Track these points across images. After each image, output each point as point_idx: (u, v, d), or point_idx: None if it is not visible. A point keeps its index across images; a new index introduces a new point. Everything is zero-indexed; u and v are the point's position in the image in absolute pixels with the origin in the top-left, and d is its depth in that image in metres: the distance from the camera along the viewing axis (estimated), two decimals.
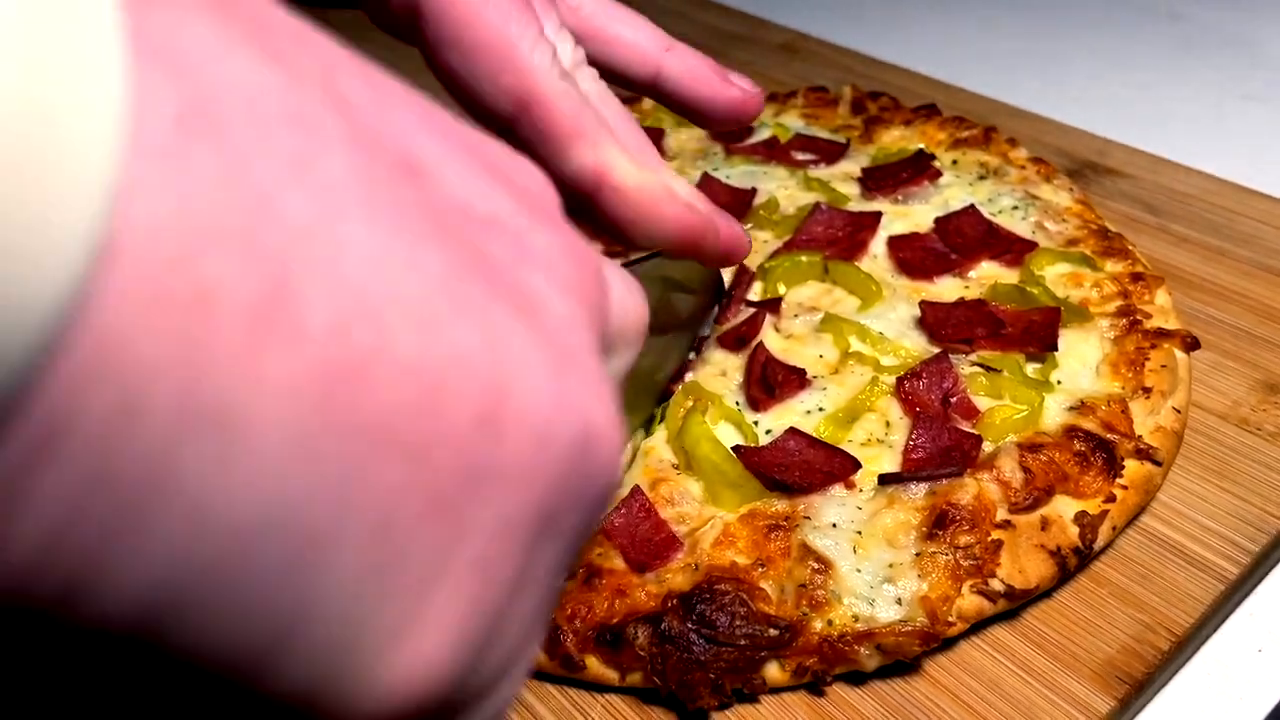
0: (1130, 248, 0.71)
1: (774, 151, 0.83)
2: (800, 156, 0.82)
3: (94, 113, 0.14)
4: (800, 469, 0.56)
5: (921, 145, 0.81)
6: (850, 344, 0.65)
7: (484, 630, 0.20)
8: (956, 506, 0.53)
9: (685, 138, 0.87)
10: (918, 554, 0.52)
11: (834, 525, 0.54)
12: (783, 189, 0.80)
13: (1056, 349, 0.63)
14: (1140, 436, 0.59)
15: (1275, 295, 0.75)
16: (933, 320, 0.65)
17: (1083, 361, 0.63)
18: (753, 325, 0.66)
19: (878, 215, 0.73)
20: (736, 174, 0.82)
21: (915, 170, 0.76)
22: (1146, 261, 0.71)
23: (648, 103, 0.86)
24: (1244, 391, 0.65)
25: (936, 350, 0.63)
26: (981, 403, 0.60)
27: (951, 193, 0.77)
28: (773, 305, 0.68)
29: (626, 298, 0.28)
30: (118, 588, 0.15)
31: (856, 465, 0.56)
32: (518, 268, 0.21)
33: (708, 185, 0.77)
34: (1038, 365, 0.63)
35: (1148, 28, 1.20)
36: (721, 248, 0.49)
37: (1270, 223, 0.82)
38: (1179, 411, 0.61)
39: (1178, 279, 0.76)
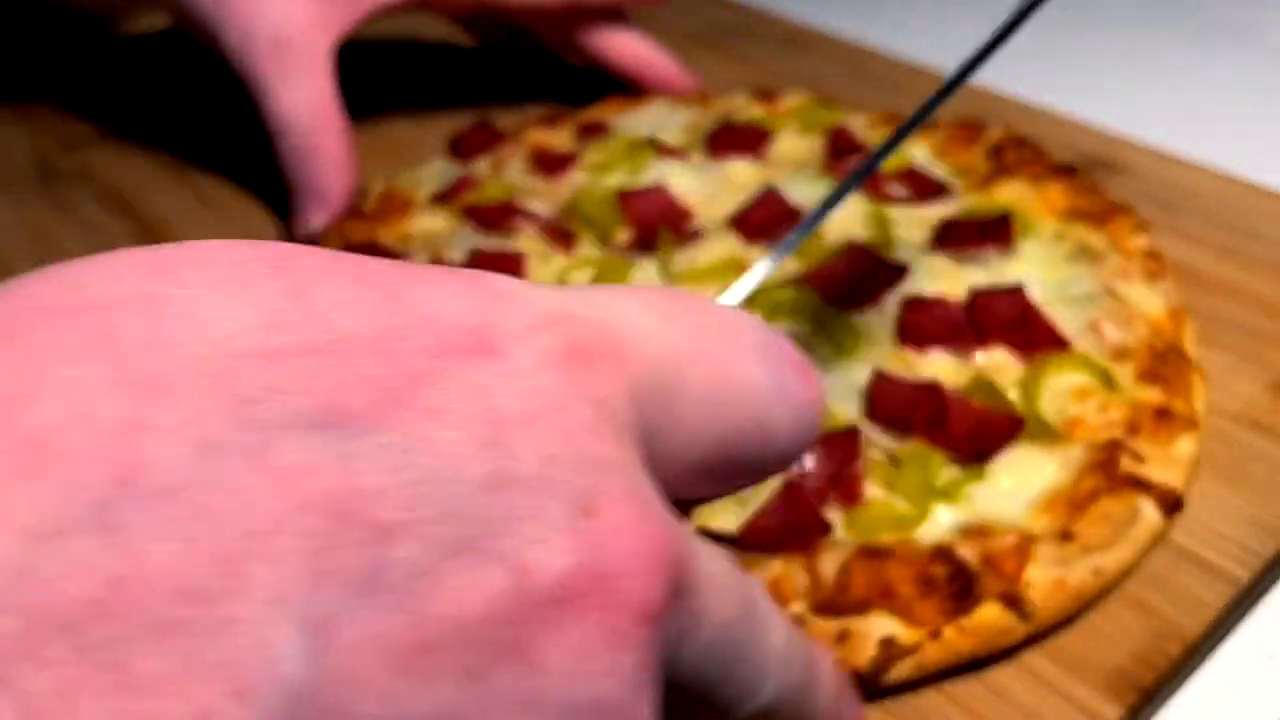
0: (1189, 384, 0.63)
1: (869, 179, 0.79)
2: (893, 191, 0.77)
3: None
4: None
5: (1007, 209, 0.73)
6: None
7: None
8: None
9: (788, 148, 0.84)
10: None
11: None
12: (842, 219, 0.75)
13: (986, 461, 0.57)
14: (1027, 584, 0.52)
15: None
16: (877, 392, 0.60)
17: (1021, 485, 0.56)
18: None
19: (902, 270, 0.68)
20: (813, 192, 0.77)
21: (988, 233, 0.70)
22: (1194, 407, 0.62)
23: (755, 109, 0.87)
24: (1257, 393, 0.64)
25: (862, 422, 0.59)
26: (872, 492, 0.56)
27: (1020, 267, 0.70)
28: None
29: (791, 446, 0.32)
30: None
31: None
32: None
33: (766, 199, 0.74)
34: (959, 473, 0.57)
35: (1159, 20, 1.18)
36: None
37: None
38: (1098, 575, 0.53)
39: (1189, 278, 0.75)
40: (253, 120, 0.96)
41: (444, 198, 0.83)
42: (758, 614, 0.32)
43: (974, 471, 0.56)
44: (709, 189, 0.79)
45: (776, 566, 0.52)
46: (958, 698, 0.49)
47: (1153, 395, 0.61)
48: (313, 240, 0.82)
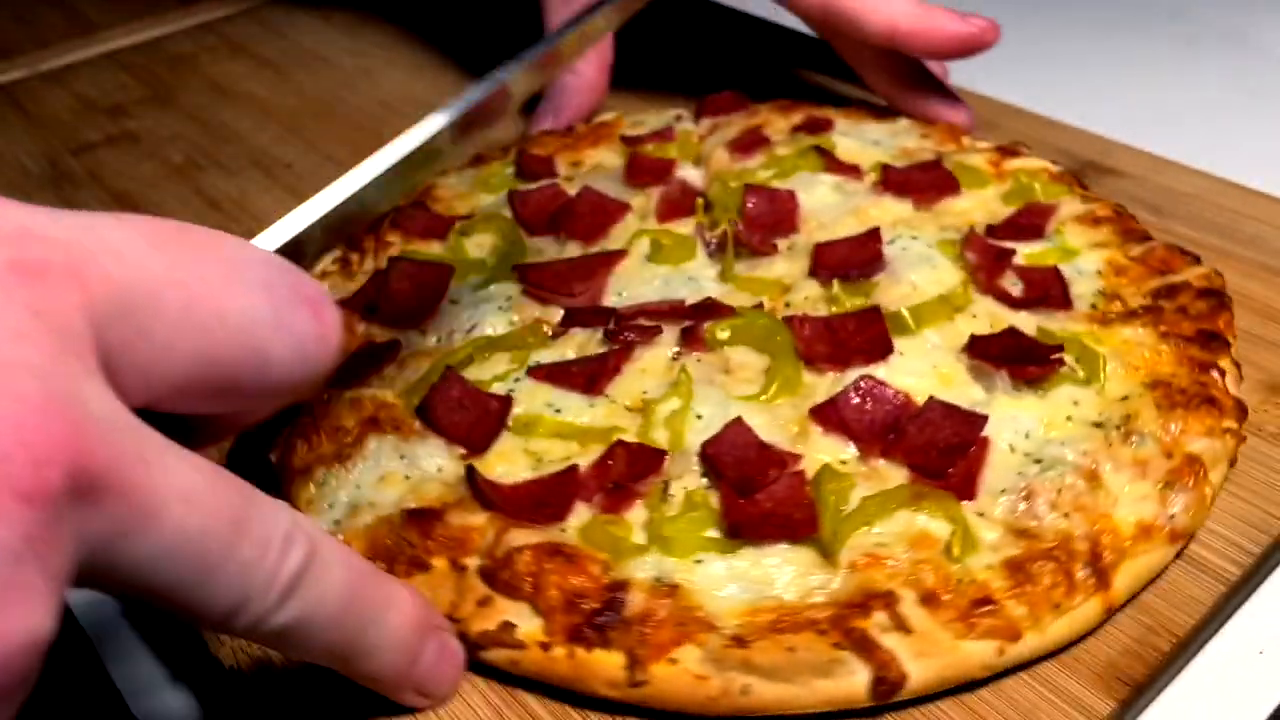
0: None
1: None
2: (1008, 284, 0.70)
3: None
4: None
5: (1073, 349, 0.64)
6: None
7: None
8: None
9: (964, 206, 0.80)
10: None
11: None
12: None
13: (745, 542, 0.54)
14: (664, 660, 0.49)
15: (1277, 296, 0.75)
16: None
17: (753, 582, 0.52)
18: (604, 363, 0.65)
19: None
20: (916, 253, 0.73)
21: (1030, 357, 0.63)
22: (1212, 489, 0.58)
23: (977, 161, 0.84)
24: (1246, 392, 0.65)
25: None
26: (634, 514, 0.57)
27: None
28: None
29: (287, 377, 0.39)
30: None
31: None
32: None
33: (860, 241, 0.73)
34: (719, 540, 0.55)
35: (1150, 27, 1.19)
36: (988, 42, 0.87)
37: (1274, 223, 0.82)
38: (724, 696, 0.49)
39: None
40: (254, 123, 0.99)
41: (632, 141, 0.89)
42: (250, 535, 0.36)
43: (730, 545, 0.54)
44: (838, 213, 0.77)
45: (480, 520, 0.55)
46: (951, 689, 0.50)
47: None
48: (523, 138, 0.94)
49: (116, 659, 0.57)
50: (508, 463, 0.60)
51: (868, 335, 0.65)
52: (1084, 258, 0.72)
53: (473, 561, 0.54)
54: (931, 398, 0.60)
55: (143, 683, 0.56)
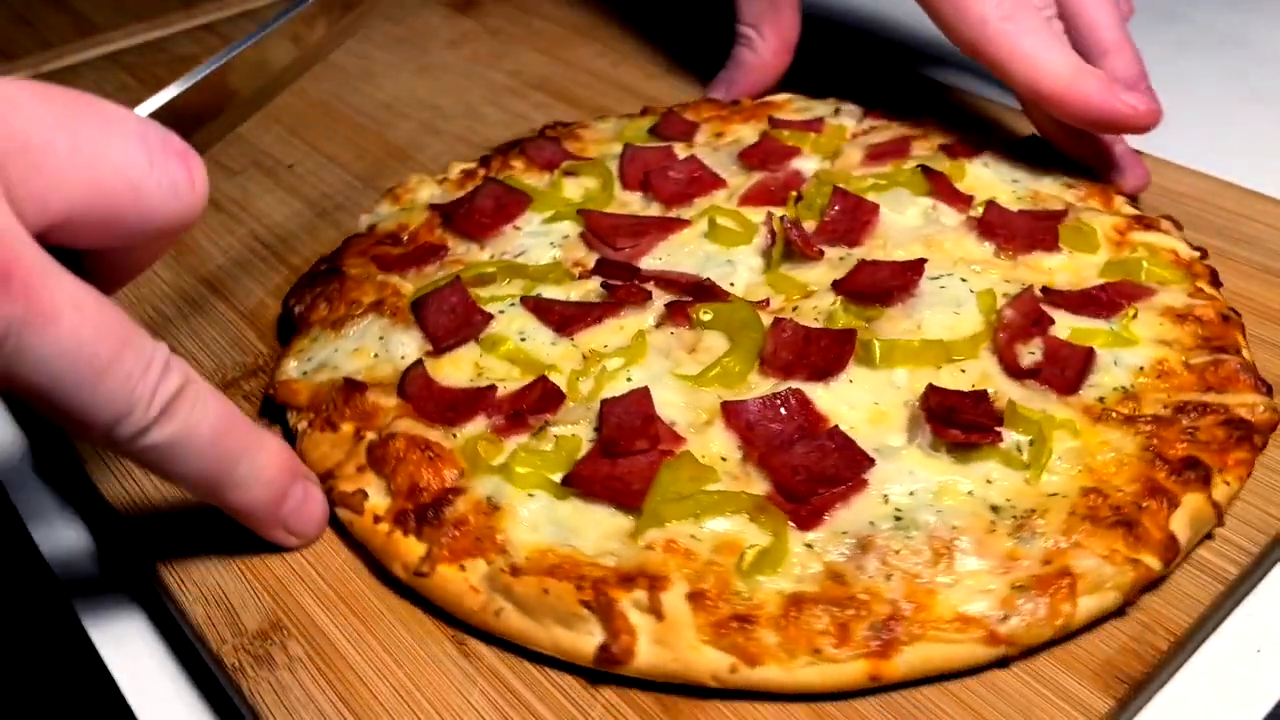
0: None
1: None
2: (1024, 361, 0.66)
3: None
4: None
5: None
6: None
7: None
8: None
9: (1058, 263, 0.75)
10: None
11: None
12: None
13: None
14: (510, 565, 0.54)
15: (1276, 297, 0.75)
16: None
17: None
18: None
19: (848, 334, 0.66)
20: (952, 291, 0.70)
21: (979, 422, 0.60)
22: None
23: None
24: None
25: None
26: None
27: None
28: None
29: (162, 211, 0.47)
30: None
31: None
32: None
33: (868, 268, 0.72)
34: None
35: (1146, 28, 1.11)
36: (1140, 126, 0.76)
37: (1272, 224, 0.82)
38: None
39: None
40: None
41: (777, 124, 0.91)
42: (134, 350, 0.44)
43: (564, 492, 0.57)
44: (912, 237, 0.75)
45: (391, 403, 0.63)
46: (949, 688, 0.50)
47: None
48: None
49: (24, 500, 0.68)
50: (455, 368, 0.67)
51: (831, 354, 0.64)
52: (1136, 350, 0.65)
53: (370, 435, 0.62)
54: (835, 427, 0.59)
55: (46, 519, 0.67)
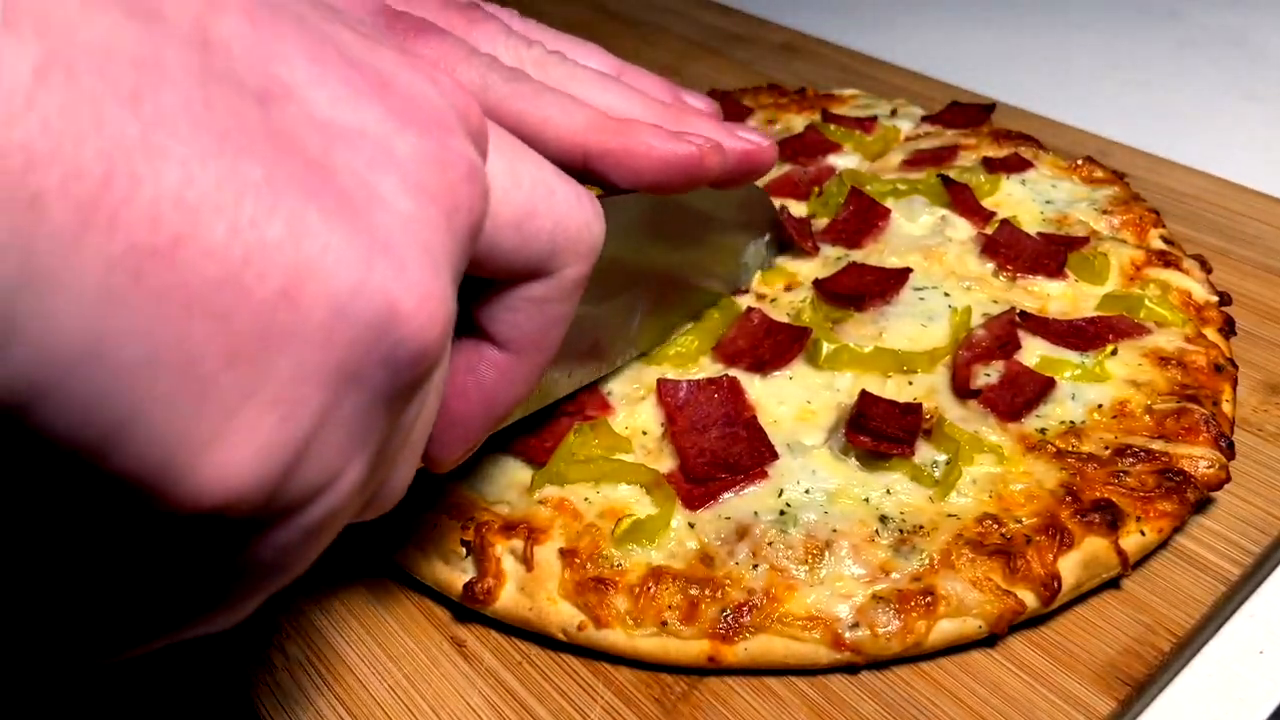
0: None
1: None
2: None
3: None
4: None
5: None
6: None
7: (288, 452, 0.25)
8: None
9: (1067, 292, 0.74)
10: None
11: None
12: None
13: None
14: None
15: (1276, 296, 0.75)
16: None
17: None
18: None
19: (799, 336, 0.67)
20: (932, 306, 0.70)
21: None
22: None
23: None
24: (1245, 392, 0.63)
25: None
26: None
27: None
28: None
29: (574, 210, 0.37)
30: None
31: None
32: (365, 172, 0.27)
33: (851, 270, 0.72)
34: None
35: (1148, 27, 1.19)
36: (734, 165, 0.53)
37: (1272, 223, 0.82)
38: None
39: None
40: None
41: (829, 118, 0.90)
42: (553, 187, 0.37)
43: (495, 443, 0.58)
44: (914, 246, 0.75)
45: None
46: (950, 688, 0.52)
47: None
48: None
49: None
50: None
51: (780, 349, 0.65)
52: (1101, 387, 0.63)
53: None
54: (753, 418, 0.60)
55: None
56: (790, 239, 0.74)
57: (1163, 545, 0.57)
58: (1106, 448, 0.59)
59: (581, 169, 0.50)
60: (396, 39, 0.46)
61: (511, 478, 0.59)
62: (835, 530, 0.55)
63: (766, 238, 0.73)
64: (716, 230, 0.68)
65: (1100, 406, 0.62)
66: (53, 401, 0.22)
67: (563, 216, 0.37)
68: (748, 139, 0.54)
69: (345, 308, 0.26)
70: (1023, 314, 0.68)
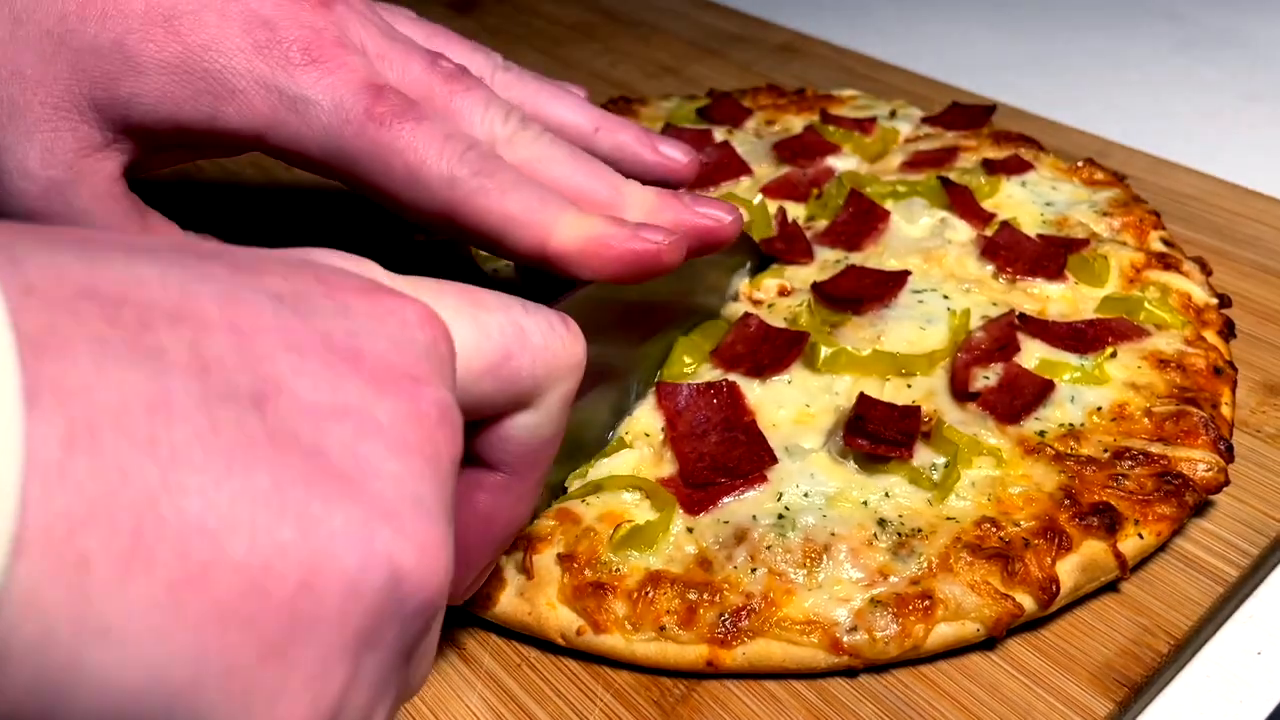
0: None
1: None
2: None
3: (3, 459, 0.22)
4: None
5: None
6: None
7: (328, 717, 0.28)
8: None
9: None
10: None
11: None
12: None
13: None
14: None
15: (1275, 297, 0.75)
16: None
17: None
18: None
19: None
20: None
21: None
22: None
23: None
24: (1244, 393, 0.63)
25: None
26: None
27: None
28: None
29: (549, 340, 0.39)
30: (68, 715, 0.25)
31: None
32: (354, 445, 0.29)
33: (851, 273, 0.72)
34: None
35: (1147, 28, 1.19)
36: (696, 245, 0.55)
37: (1271, 223, 0.83)
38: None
39: None
40: None
41: (828, 119, 0.90)
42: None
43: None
44: (913, 249, 0.75)
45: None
46: (949, 692, 0.52)
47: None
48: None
49: None
50: None
51: (779, 354, 0.65)
52: (1100, 390, 0.63)
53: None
54: (751, 422, 0.60)
55: None
56: (778, 255, 0.74)
57: (1161, 548, 0.57)
58: (1105, 450, 0.59)
59: (541, 264, 0.52)
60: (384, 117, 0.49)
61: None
62: (834, 534, 0.55)
63: (746, 264, 0.74)
64: (697, 271, 0.67)
65: (1099, 409, 0.62)
66: None
67: (538, 350, 0.39)
68: (709, 215, 0.56)
69: (356, 583, 0.28)
70: (1022, 316, 0.68)
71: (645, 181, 0.58)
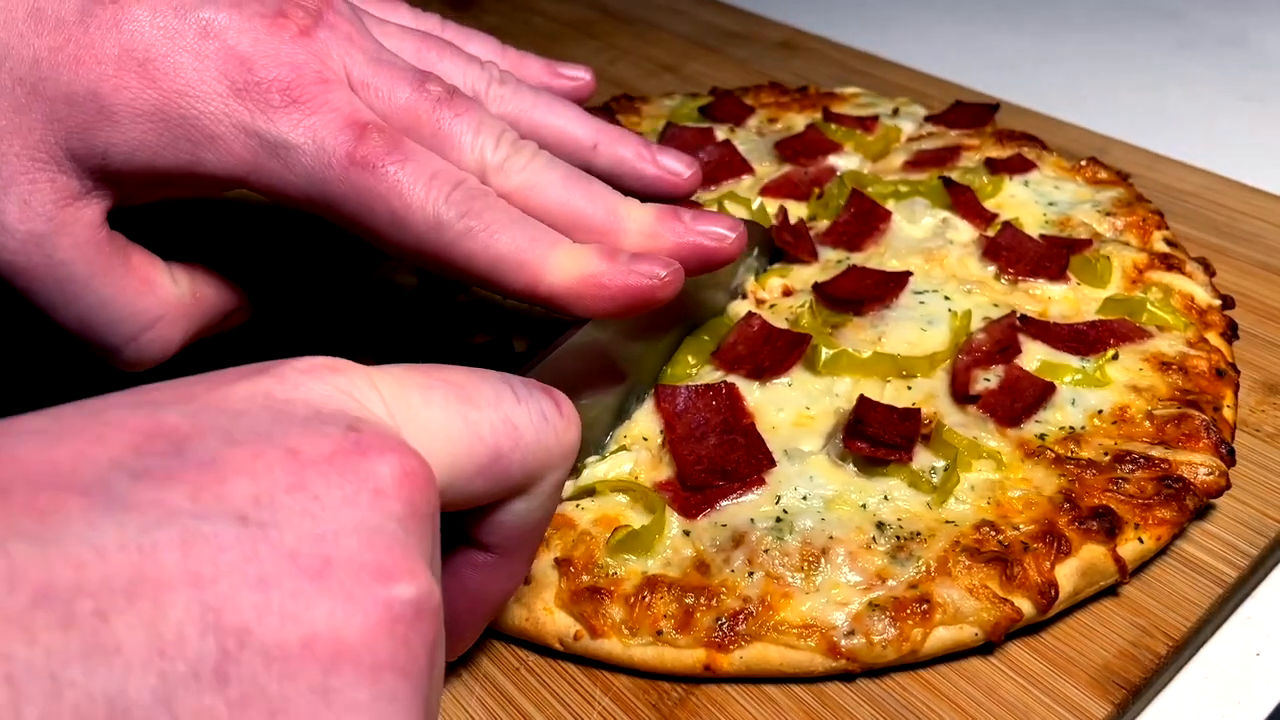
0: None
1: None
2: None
3: None
4: None
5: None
6: None
7: None
8: None
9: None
10: None
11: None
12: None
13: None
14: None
15: (1275, 295, 0.75)
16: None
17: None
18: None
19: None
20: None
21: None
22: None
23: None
24: (1243, 392, 0.63)
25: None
26: None
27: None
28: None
29: (541, 435, 0.39)
30: None
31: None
32: (325, 683, 0.28)
33: (854, 273, 0.72)
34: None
35: (1147, 27, 1.20)
36: (696, 266, 0.54)
37: (1271, 221, 0.83)
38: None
39: None
40: None
41: (830, 117, 0.89)
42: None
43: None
44: (915, 249, 0.74)
45: None
46: (946, 694, 0.52)
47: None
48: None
49: None
50: None
51: (779, 355, 0.65)
52: (1101, 392, 0.63)
53: None
54: (750, 424, 0.60)
55: None
56: (786, 248, 0.74)
57: (1161, 552, 0.57)
58: (1106, 454, 0.59)
59: (535, 302, 0.51)
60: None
61: None
62: (832, 537, 0.55)
63: (754, 252, 0.73)
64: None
65: (1100, 412, 0.62)
66: None
67: (530, 445, 0.38)
68: (710, 233, 0.55)
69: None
70: (1023, 318, 0.67)
71: (646, 194, 0.57)
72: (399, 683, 0.30)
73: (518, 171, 0.53)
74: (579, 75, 0.66)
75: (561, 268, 0.50)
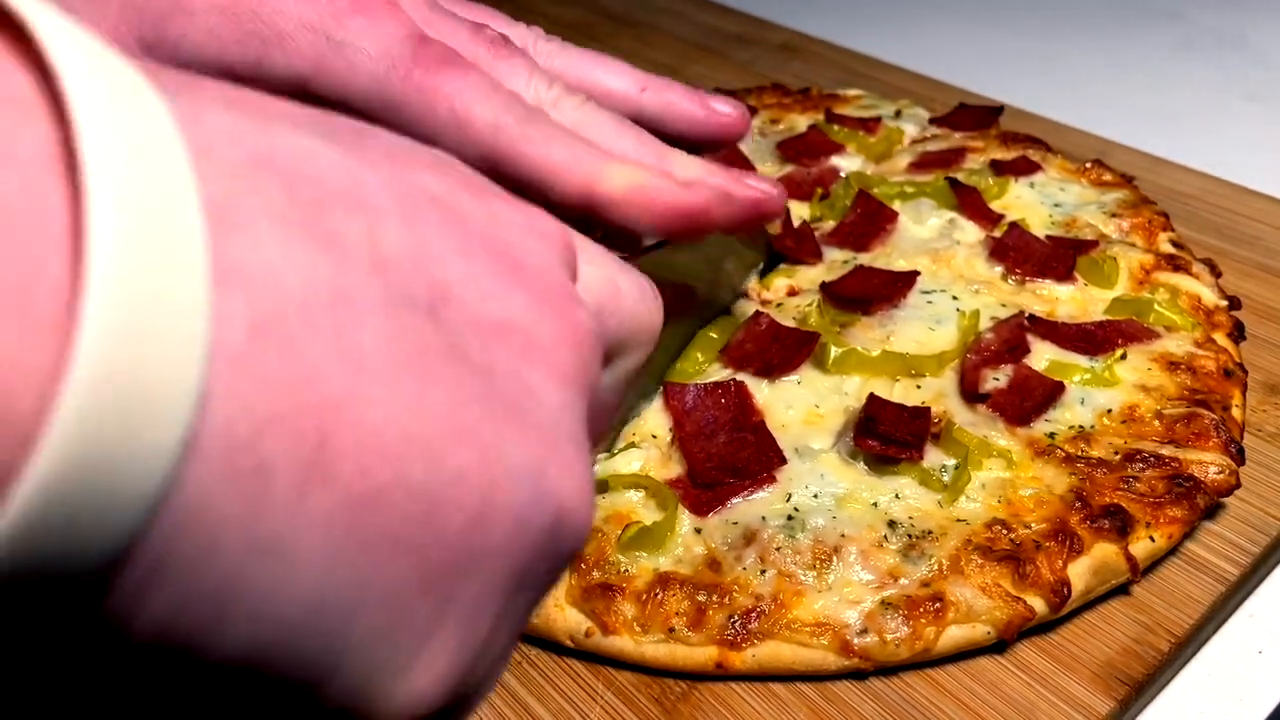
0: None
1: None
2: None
3: (185, 340, 0.19)
4: None
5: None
6: None
7: (470, 661, 0.26)
8: None
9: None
10: None
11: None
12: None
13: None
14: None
15: (1275, 296, 0.75)
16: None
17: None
18: None
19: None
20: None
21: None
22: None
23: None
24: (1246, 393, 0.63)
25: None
26: None
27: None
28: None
29: (639, 305, 0.36)
30: (216, 649, 0.22)
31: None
32: (520, 368, 0.27)
33: (855, 273, 0.72)
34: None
35: (1148, 28, 1.20)
36: (741, 214, 0.52)
37: (1271, 223, 0.83)
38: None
39: None
40: None
41: (833, 118, 0.89)
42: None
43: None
44: (922, 250, 0.74)
45: None
46: (950, 690, 0.52)
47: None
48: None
49: None
50: None
51: (788, 354, 0.65)
52: (1110, 392, 0.63)
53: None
54: (760, 422, 0.60)
55: None
56: (788, 253, 0.74)
57: (1171, 551, 0.57)
58: (1116, 453, 0.59)
59: (586, 213, 0.50)
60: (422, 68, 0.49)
61: None
62: (844, 535, 0.54)
63: (759, 263, 0.74)
64: (716, 262, 0.68)
65: (1109, 411, 0.62)
66: (267, 660, 0.22)
67: (628, 313, 0.36)
68: (756, 187, 0.54)
69: (525, 520, 0.26)
70: (1031, 318, 0.67)
71: (696, 141, 0.57)
72: (579, 401, 0.28)
73: (569, 111, 0.53)
74: (728, 111, 0.61)
75: (617, 176, 0.49)
